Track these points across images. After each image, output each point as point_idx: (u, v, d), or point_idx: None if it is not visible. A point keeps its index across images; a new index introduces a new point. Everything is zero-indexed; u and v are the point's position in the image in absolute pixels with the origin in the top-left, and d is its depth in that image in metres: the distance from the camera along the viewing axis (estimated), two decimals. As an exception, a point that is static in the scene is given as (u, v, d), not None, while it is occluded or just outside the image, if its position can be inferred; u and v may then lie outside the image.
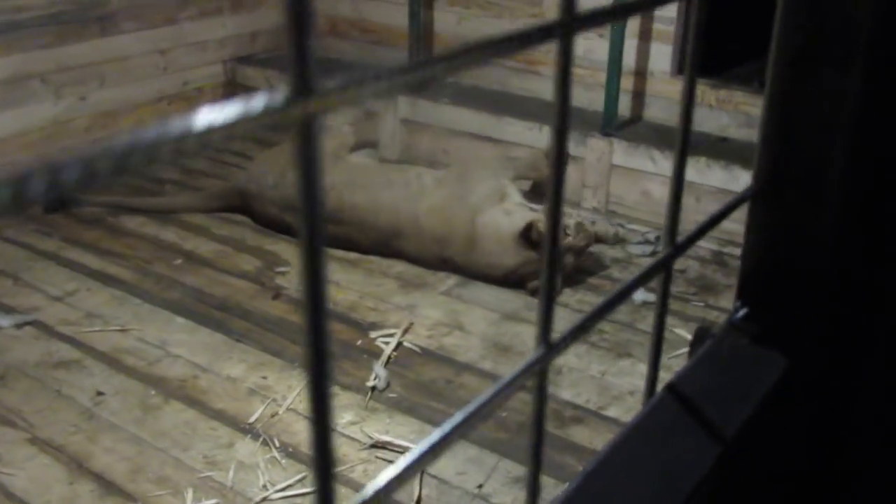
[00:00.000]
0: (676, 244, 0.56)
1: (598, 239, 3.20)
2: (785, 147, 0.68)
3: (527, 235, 2.95)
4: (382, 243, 3.23)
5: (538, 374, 0.43)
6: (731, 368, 0.70)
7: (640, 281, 0.53)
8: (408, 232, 3.16)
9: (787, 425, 0.73)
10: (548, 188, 0.41)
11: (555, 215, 0.42)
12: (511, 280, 3.03)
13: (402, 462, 0.36)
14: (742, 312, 0.73)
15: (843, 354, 0.73)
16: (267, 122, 0.29)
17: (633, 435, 0.60)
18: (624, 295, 0.51)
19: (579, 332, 0.46)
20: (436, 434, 0.37)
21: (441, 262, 3.16)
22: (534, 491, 0.46)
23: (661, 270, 0.56)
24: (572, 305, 2.98)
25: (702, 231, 0.61)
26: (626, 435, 0.60)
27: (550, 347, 0.43)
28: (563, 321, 2.88)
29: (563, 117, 0.40)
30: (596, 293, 3.05)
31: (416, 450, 0.36)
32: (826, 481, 0.74)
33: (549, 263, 0.42)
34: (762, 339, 0.72)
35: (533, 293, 2.98)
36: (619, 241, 3.23)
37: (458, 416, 0.38)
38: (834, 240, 0.68)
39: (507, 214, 3.05)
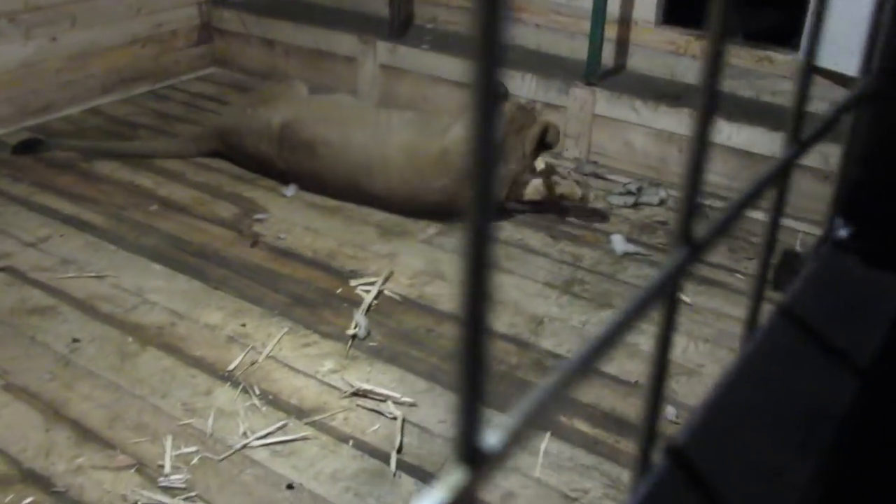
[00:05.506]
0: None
1: (563, 197, 3.19)
2: None
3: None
4: (354, 182, 3.19)
5: (674, 281, 0.40)
6: (847, 292, 0.64)
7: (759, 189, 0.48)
8: (377, 170, 3.13)
9: None
10: None
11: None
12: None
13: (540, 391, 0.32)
14: (846, 231, 0.67)
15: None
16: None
17: (755, 361, 0.55)
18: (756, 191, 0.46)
19: (720, 232, 0.43)
20: (566, 364, 0.34)
21: (415, 203, 3.12)
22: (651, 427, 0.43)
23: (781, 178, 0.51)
24: (553, 255, 2.97)
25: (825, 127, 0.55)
26: (746, 361, 0.55)
27: (694, 247, 0.40)
28: (543, 270, 2.88)
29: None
30: (576, 243, 3.04)
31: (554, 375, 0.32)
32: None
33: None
34: (874, 259, 0.65)
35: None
36: (584, 201, 3.19)
37: (589, 345, 0.34)
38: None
39: None
